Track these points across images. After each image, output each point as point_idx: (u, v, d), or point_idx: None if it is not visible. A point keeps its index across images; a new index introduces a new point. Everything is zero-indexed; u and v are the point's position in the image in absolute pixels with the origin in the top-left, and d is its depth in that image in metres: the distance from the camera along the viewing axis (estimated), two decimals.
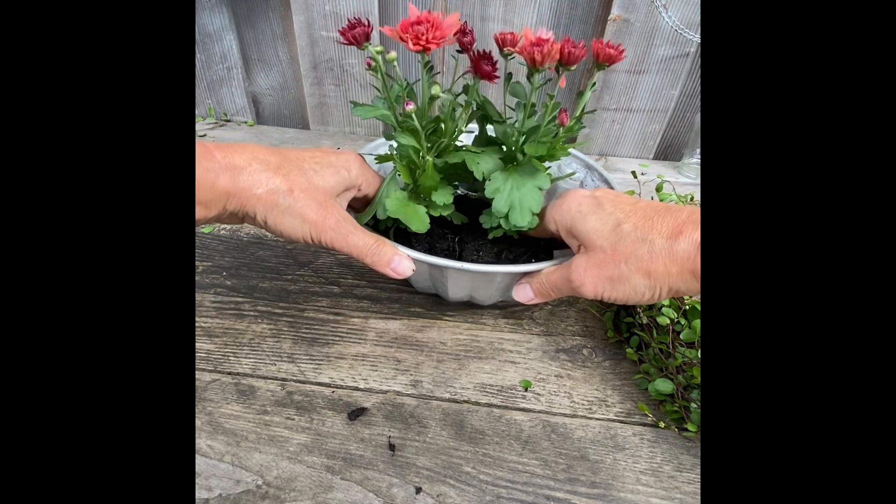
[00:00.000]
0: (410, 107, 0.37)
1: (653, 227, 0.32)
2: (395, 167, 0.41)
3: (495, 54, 0.38)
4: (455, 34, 0.37)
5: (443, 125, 0.39)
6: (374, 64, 0.38)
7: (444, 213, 0.42)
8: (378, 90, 0.40)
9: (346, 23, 0.36)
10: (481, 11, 0.68)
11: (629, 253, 0.32)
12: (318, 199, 0.35)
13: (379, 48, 0.37)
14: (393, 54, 0.37)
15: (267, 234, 0.58)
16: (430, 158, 0.39)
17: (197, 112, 0.84)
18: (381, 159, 0.42)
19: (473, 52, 0.38)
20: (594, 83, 0.38)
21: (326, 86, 0.78)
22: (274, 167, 0.34)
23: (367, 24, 0.36)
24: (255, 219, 0.35)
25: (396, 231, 0.47)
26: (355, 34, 0.36)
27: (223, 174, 0.32)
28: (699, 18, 0.65)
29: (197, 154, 0.31)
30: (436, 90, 0.38)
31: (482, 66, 0.37)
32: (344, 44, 0.36)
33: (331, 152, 0.39)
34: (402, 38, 0.34)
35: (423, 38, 0.34)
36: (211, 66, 0.79)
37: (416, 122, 0.38)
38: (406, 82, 0.41)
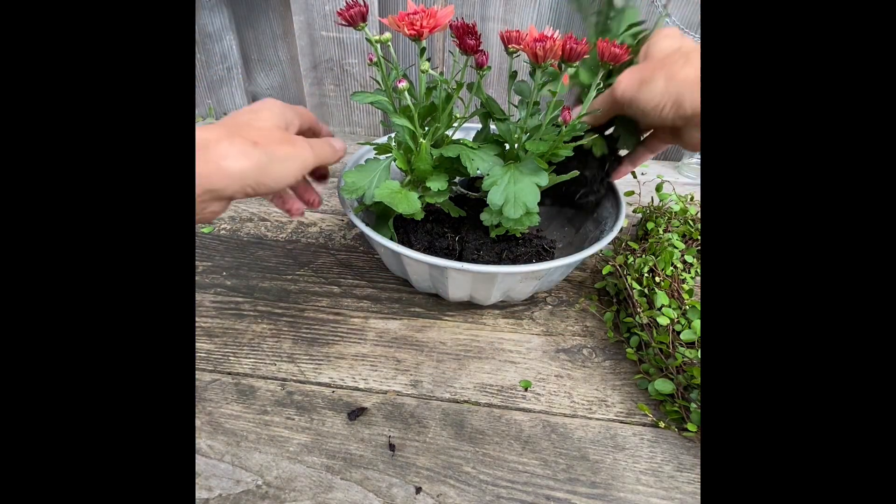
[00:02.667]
0: (402, 84, 0.37)
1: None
2: (386, 161, 0.42)
3: (497, 50, 0.39)
4: (463, 35, 0.37)
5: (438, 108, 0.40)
6: (375, 59, 0.38)
7: (439, 200, 0.42)
8: (379, 83, 0.40)
9: (345, 5, 0.37)
10: (481, 11, 0.68)
11: (670, 63, 0.35)
12: (280, 135, 0.35)
13: (385, 36, 0.37)
14: (387, 35, 0.37)
15: (267, 233, 0.58)
16: (423, 141, 0.39)
17: (197, 112, 0.84)
18: (380, 150, 0.42)
19: (456, 27, 0.38)
20: (599, 83, 0.38)
21: (326, 86, 0.78)
22: (226, 135, 0.32)
23: (363, 4, 0.37)
24: (243, 188, 0.33)
25: (396, 228, 0.47)
26: (352, 13, 0.37)
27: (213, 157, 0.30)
28: (699, 18, 0.65)
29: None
30: (425, 66, 0.38)
31: (466, 41, 0.37)
32: (342, 24, 0.37)
33: (250, 107, 0.38)
34: (398, 26, 0.36)
35: (418, 24, 0.36)
36: (211, 66, 0.79)
37: (408, 99, 0.38)
38: (401, 67, 0.41)
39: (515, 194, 0.39)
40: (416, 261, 0.39)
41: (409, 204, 0.40)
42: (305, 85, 0.78)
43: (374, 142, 0.46)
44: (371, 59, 0.39)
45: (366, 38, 0.38)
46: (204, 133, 0.31)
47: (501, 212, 0.39)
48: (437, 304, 0.49)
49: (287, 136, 0.35)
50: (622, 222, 0.45)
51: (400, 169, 0.42)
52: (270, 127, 0.35)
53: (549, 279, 0.45)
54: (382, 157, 0.43)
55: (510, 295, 0.46)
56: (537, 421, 0.39)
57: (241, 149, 0.32)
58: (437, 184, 0.41)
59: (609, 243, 0.44)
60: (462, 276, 0.41)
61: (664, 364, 0.41)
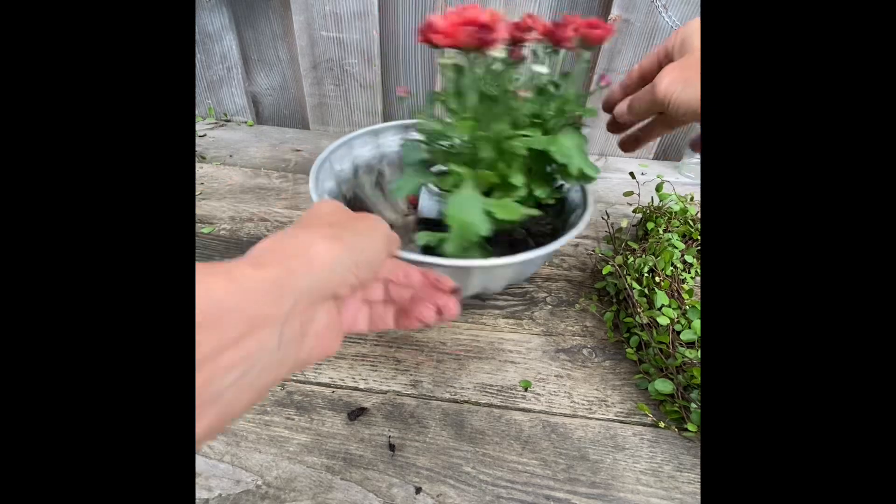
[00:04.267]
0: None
1: None
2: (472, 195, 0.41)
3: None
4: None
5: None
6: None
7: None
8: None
9: (474, 24, 0.35)
10: None
11: None
12: (349, 213, 0.29)
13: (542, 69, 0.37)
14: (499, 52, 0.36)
15: (267, 233, 0.58)
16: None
17: (197, 112, 0.84)
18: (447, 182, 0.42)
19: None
20: (587, 57, 0.38)
21: (326, 86, 0.78)
22: (302, 227, 0.26)
23: (494, 27, 0.35)
24: (339, 288, 0.25)
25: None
26: (487, 38, 0.35)
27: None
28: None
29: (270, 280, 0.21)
30: (539, 69, 0.38)
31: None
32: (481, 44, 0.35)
33: (306, 211, 0.31)
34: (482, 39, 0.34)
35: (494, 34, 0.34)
36: (211, 66, 0.79)
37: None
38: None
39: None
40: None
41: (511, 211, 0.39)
42: (305, 85, 0.78)
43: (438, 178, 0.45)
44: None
45: (440, 63, 0.37)
46: (274, 237, 0.24)
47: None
48: None
49: (354, 213, 0.29)
50: (589, 214, 0.44)
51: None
52: (334, 211, 0.29)
53: (522, 271, 0.44)
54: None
55: (487, 286, 0.45)
56: (537, 421, 0.39)
57: (324, 232, 0.25)
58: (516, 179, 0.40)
59: (590, 239, 0.43)
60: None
61: (664, 364, 0.41)
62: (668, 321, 0.42)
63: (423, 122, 0.42)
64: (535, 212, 0.41)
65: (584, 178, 0.41)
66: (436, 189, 0.48)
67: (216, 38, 0.76)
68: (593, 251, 0.58)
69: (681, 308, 0.44)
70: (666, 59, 0.39)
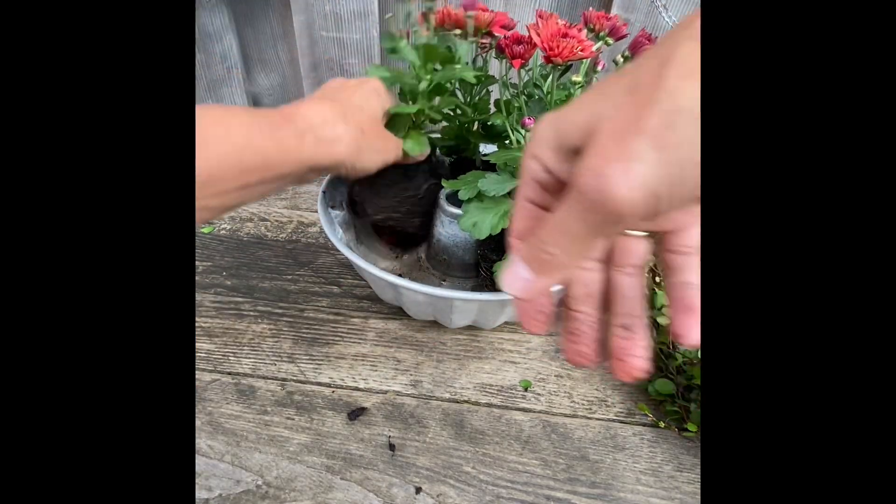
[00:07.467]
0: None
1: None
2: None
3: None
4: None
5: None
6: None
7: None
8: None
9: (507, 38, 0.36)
10: None
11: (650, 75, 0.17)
12: (380, 128, 0.37)
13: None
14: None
15: (267, 233, 0.58)
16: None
17: None
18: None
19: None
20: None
21: None
22: (342, 116, 0.33)
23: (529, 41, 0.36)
24: (338, 168, 0.34)
25: None
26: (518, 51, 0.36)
27: (307, 137, 0.31)
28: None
29: (271, 120, 0.30)
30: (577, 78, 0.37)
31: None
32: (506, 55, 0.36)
33: (363, 81, 0.39)
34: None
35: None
36: (211, 66, 0.79)
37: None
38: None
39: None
40: (369, 272, 0.38)
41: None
42: (305, 85, 0.78)
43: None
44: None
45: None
46: (319, 109, 0.32)
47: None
48: None
49: (384, 130, 0.37)
50: None
51: None
52: (376, 117, 0.37)
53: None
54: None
55: (478, 321, 0.44)
56: (537, 421, 0.39)
57: (353, 135, 0.33)
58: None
59: None
60: (414, 295, 0.39)
61: (664, 364, 0.41)
62: (669, 321, 0.42)
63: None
64: None
65: None
66: (453, 210, 0.45)
67: (216, 38, 0.76)
68: None
69: None
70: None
